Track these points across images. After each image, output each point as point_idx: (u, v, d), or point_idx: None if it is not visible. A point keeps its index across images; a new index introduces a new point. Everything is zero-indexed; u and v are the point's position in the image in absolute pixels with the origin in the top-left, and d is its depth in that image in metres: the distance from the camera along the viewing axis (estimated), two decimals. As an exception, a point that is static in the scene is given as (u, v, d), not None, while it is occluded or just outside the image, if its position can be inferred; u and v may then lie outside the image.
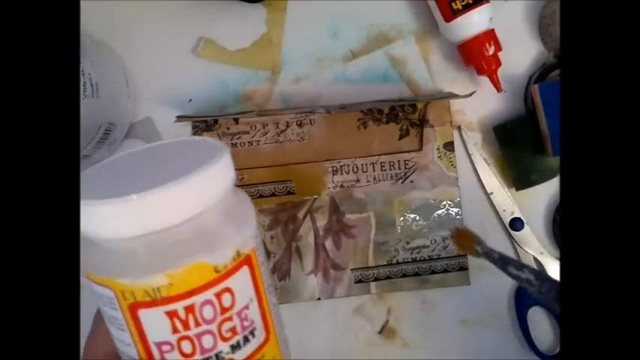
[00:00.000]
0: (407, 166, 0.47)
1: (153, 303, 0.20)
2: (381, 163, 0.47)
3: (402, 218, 0.47)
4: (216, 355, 0.22)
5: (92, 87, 0.37)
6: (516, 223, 0.46)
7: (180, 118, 0.44)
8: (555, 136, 0.43)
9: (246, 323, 0.22)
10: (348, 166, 0.47)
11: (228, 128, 0.47)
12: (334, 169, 0.47)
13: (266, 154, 0.47)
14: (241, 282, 0.22)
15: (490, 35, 0.44)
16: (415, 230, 0.47)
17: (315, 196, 0.47)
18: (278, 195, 0.47)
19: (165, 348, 0.21)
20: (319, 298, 0.47)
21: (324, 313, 0.47)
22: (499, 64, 0.44)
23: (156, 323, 0.21)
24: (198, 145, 0.24)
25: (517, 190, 0.47)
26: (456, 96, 0.45)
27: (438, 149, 0.47)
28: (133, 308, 0.21)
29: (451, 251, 0.47)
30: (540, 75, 0.45)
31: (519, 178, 0.46)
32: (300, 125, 0.47)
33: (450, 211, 0.47)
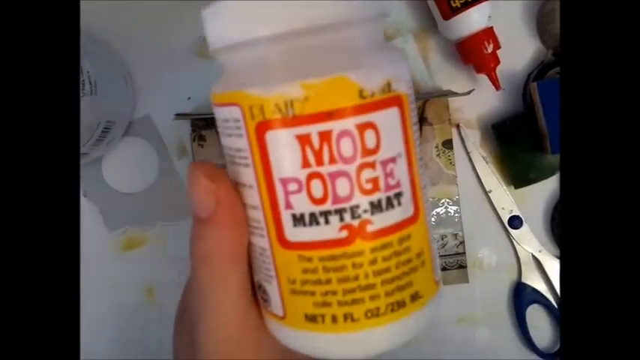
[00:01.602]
0: (406, 164, 0.47)
1: (283, 122, 0.17)
2: (380, 161, 0.47)
3: (401, 216, 0.47)
4: (352, 210, 0.18)
5: (91, 85, 0.37)
6: (515, 221, 0.46)
7: (179, 115, 0.44)
8: (554, 134, 0.43)
9: (391, 181, 0.19)
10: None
11: (227, 126, 0.47)
12: (333, 167, 0.47)
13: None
14: (389, 123, 0.18)
15: (489, 33, 0.44)
16: (414, 228, 0.47)
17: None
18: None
19: (292, 187, 0.18)
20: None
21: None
22: (498, 62, 0.44)
23: (284, 151, 0.18)
24: None
25: (516, 188, 0.47)
26: (455, 94, 0.44)
27: (436, 147, 0.47)
28: (261, 129, 0.18)
29: (449, 249, 0.47)
30: (539, 73, 0.45)
31: (518, 176, 0.46)
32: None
33: (449, 209, 0.47)
